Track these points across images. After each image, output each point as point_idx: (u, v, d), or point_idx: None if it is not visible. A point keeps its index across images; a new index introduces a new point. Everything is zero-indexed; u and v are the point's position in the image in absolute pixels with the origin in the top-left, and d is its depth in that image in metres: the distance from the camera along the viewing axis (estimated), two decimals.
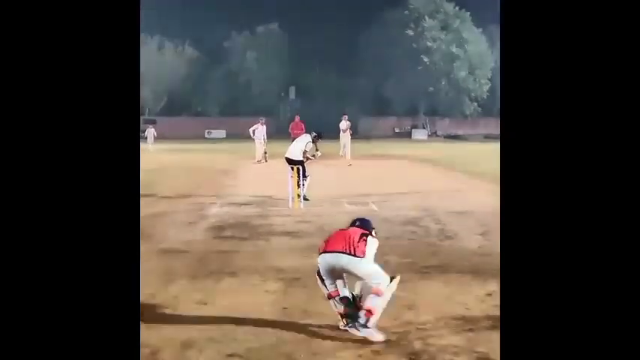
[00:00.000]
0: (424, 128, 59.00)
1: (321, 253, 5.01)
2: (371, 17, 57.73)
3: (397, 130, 59.87)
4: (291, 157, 12.80)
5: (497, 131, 50.08)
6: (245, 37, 62.32)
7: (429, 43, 55.96)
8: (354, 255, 4.81)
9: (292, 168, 12.52)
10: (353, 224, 5.29)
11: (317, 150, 13.52)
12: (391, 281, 4.89)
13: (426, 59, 55.85)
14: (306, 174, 12.86)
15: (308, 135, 13.24)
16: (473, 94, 57.19)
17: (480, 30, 57.48)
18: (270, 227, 9.97)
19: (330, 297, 5.03)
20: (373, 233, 5.20)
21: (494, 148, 34.37)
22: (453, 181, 17.48)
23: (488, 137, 44.33)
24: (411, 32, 56.19)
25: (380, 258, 7.57)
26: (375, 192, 14.28)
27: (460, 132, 56.55)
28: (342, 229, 5.18)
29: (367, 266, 4.85)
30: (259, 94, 61.56)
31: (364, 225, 5.26)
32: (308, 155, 12.94)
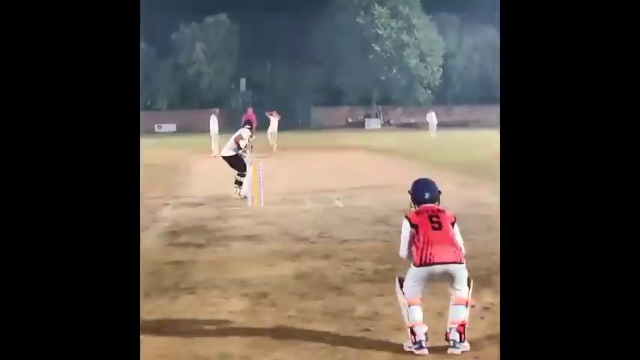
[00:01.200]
0: (377, 117, 58.79)
1: (424, 265, 4.36)
2: (321, 6, 57.03)
3: (350, 120, 59.46)
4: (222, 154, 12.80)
5: (449, 119, 50.16)
6: (193, 28, 61.00)
7: (379, 31, 55.64)
8: (460, 262, 4.42)
9: (251, 164, 12.05)
10: (423, 200, 4.64)
11: (252, 136, 13.49)
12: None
13: (377, 47, 55.53)
14: (245, 170, 12.35)
15: (242, 129, 13.25)
16: (425, 82, 57.12)
17: (430, 17, 57.40)
18: (229, 230, 9.25)
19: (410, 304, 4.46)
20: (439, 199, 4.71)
21: (450, 137, 34.21)
22: (416, 172, 16.92)
23: (440, 125, 43.91)
24: (361, 20, 55.76)
25: (354, 265, 7.00)
26: (336, 187, 13.63)
27: (413, 120, 56.48)
28: (434, 222, 4.46)
29: (464, 272, 4.47)
30: (209, 86, 60.46)
31: (432, 194, 4.67)
32: (241, 145, 12.63)
